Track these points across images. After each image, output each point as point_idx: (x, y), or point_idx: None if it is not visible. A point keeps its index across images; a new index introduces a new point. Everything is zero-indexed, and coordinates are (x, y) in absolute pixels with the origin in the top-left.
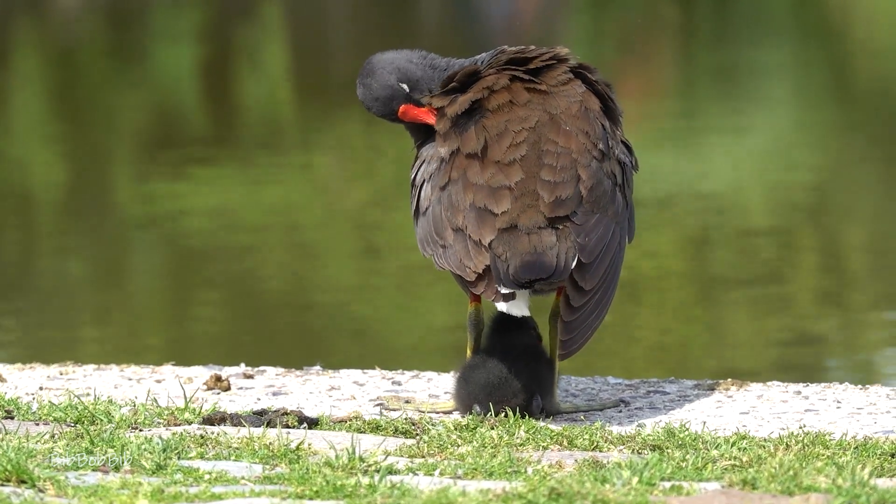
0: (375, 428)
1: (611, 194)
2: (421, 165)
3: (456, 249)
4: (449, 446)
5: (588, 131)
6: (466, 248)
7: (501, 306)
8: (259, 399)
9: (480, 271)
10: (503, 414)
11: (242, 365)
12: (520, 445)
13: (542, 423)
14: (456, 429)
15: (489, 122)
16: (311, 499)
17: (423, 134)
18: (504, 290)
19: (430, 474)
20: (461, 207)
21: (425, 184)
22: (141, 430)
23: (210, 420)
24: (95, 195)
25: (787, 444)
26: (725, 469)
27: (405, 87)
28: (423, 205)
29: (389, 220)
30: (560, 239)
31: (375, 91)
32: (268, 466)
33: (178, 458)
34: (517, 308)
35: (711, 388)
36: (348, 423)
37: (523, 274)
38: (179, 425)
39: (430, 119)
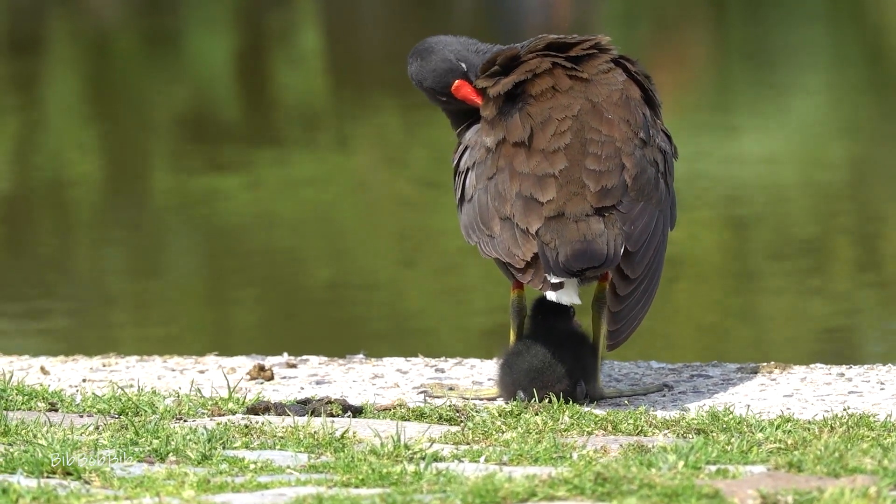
0: (420, 415)
1: (654, 182)
2: (464, 152)
3: (503, 238)
4: (493, 433)
5: (629, 119)
6: (514, 236)
7: (551, 295)
8: (303, 388)
9: (529, 259)
10: (547, 400)
11: (285, 354)
12: (564, 431)
13: (586, 409)
14: (500, 415)
15: (533, 108)
16: (356, 487)
17: (464, 119)
18: (554, 280)
19: (476, 461)
20: (508, 196)
21: (470, 172)
22: (185, 421)
23: (254, 410)
24: (132, 186)
25: (831, 426)
26: (771, 452)
27: (463, 65)
28: (469, 192)
29: (427, 207)
30: (608, 226)
31: (433, 63)
32: (313, 455)
33: (223, 448)
34: (567, 296)
35: (755, 372)
36: (392, 410)
37: (574, 262)
38: (224, 415)
39: (479, 101)
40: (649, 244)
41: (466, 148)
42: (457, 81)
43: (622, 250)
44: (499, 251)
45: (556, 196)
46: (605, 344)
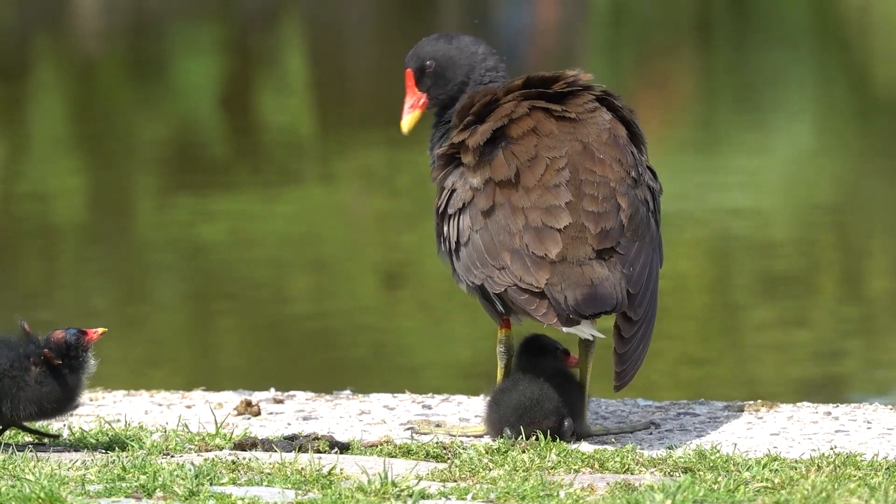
0: (407, 452)
1: (646, 221)
2: (449, 197)
3: (514, 269)
4: (481, 470)
5: (620, 159)
6: (526, 265)
7: (567, 329)
8: (290, 424)
9: (542, 286)
10: (534, 437)
11: (272, 390)
12: (551, 468)
13: (573, 446)
14: (487, 452)
15: (517, 148)
16: None
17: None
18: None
19: (463, 498)
20: (514, 230)
21: (461, 215)
22: (172, 456)
23: (241, 445)
24: (116, 217)
25: (818, 465)
26: (758, 491)
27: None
28: (465, 235)
29: (412, 240)
30: (611, 270)
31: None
32: (300, 492)
33: (211, 483)
34: (586, 329)
35: (741, 410)
36: (379, 447)
37: (585, 308)
38: (211, 451)
39: (413, 106)
40: (647, 285)
41: (452, 191)
42: (408, 69)
43: (626, 293)
44: (512, 280)
45: (564, 231)
46: (613, 385)
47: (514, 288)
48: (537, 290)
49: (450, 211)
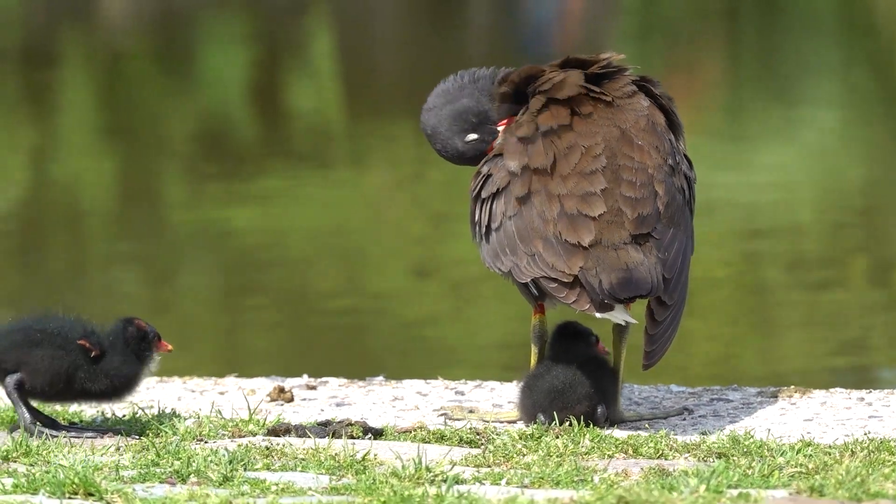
0: (440, 438)
1: (682, 209)
2: (485, 181)
3: (546, 256)
4: (514, 455)
5: (658, 146)
6: (558, 253)
7: (599, 315)
8: (323, 410)
9: (575, 273)
10: (567, 422)
11: (305, 376)
12: (585, 454)
13: (606, 432)
14: (521, 438)
15: (555, 134)
16: None
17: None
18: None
19: (497, 483)
20: (549, 217)
21: (495, 199)
22: (206, 442)
23: (275, 431)
24: (146, 205)
25: (852, 450)
26: (792, 476)
27: (472, 136)
28: (497, 220)
29: (443, 226)
30: (646, 254)
31: (455, 150)
32: (334, 477)
33: (245, 469)
34: (619, 314)
35: (775, 396)
36: (413, 433)
37: (620, 291)
38: (244, 437)
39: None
40: (681, 270)
41: (488, 176)
42: (488, 148)
43: (661, 278)
44: (542, 269)
45: (599, 218)
46: (641, 364)
47: (543, 278)
48: (566, 280)
49: (483, 195)
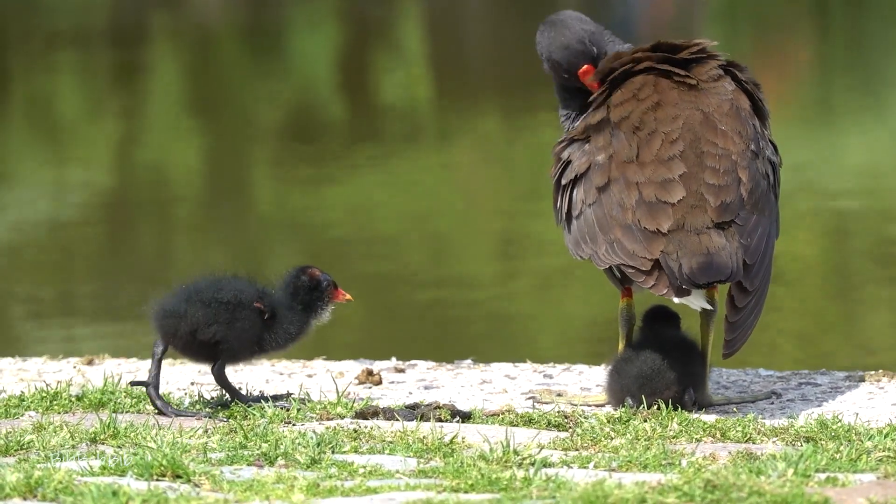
0: (528, 421)
1: (766, 195)
2: (564, 168)
3: (625, 243)
4: (602, 439)
5: (742, 131)
6: (637, 239)
7: (678, 300)
8: (411, 393)
9: (656, 257)
10: (656, 406)
11: (393, 359)
12: (673, 438)
13: (694, 416)
14: (609, 421)
15: (636, 121)
16: (466, 492)
17: (576, 100)
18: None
19: (585, 467)
20: (628, 205)
21: (576, 187)
22: (294, 425)
23: (363, 414)
24: (233, 189)
25: None
26: (880, 460)
27: (595, 49)
28: (577, 207)
29: (529, 210)
30: (728, 240)
31: (567, 40)
32: (422, 460)
33: (332, 452)
34: (696, 300)
35: (863, 380)
36: (501, 416)
37: (700, 275)
38: (332, 420)
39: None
40: (764, 256)
41: (566, 163)
42: (585, 66)
43: (742, 263)
44: (621, 255)
45: (679, 204)
46: (721, 353)
47: (622, 265)
48: (644, 268)
49: (563, 182)
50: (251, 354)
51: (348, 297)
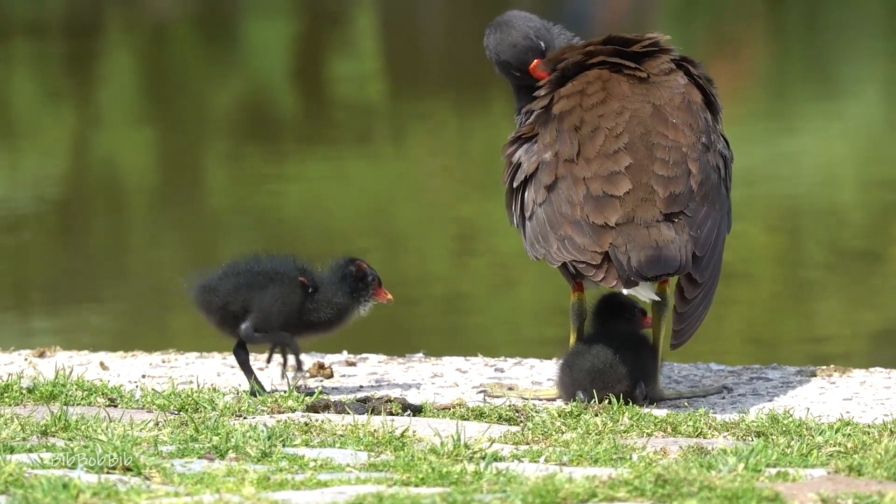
0: (479, 415)
1: (716, 187)
2: (515, 171)
3: (575, 238)
4: (553, 433)
5: (692, 124)
6: (586, 234)
7: (626, 291)
8: (362, 386)
9: (605, 251)
10: (607, 401)
11: (345, 352)
12: (624, 432)
13: (645, 410)
14: (560, 416)
15: (581, 118)
16: (416, 486)
17: (532, 96)
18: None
19: (536, 461)
20: (576, 201)
21: (527, 188)
22: (245, 418)
23: (314, 407)
24: (187, 181)
25: (891, 430)
26: (831, 455)
27: (542, 43)
28: (529, 209)
29: (482, 205)
30: (678, 232)
31: (514, 38)
32: (373, 454)
33: (283, 445)
34: (644, 292)
35: (814, 375)
36: (452, 410)
37: (648, 269)
38: (283, 413)
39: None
40: (714, 249)
41: (518, 165)
42: (535, 60)
43: (691, 256)
44: (572, 251)
45: (627, 196)
46: (669, 343)
47: (573, 261)
48: (594, 262)
49: (515, 185)
50: (291, 325)
51: (389, 296)
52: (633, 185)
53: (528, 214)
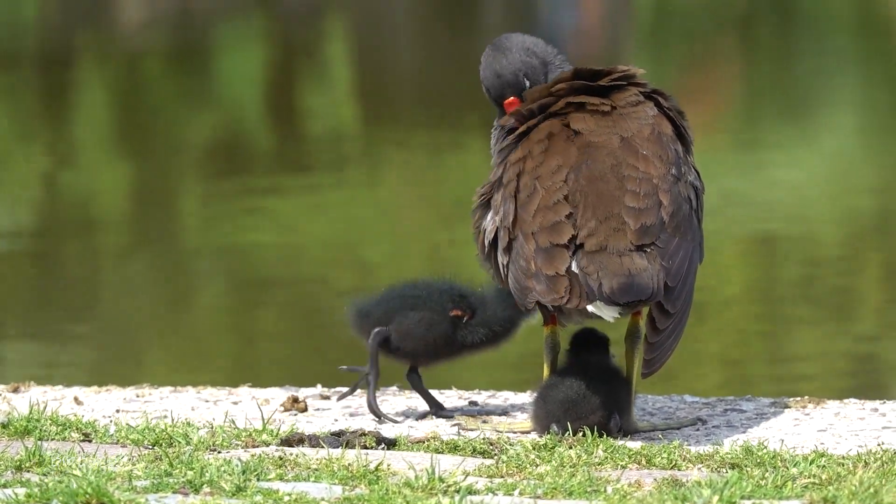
0: (454, 448)
1: (688, 218)
2: (483, 237)
3: (538, 290)
4: (528, 466)
5: (662, 155)
6: (542, 282)
7: (590, 308)
8: (336, 420)
9: (562, 272)
10: (581, 433)
11: (319, 386)
12: (598, 464)
13: (620, 442)
14: (534, 448)
15: (527, 179)
16: None
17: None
18: (591, 307)
19: (510, 494)
20: (530, 256)
21: (495, 254)
22: (219, 452)
23: (288, 441)
24: (160, 213)
25: (865, 461)
26: (805, 487)
27: (527, 82)
28: (503, 272)
29: (456, 237)
30: (650, 262)
31: (501, 68)
32: (347, 487)
33: (258, 479)
34: (607, 311)
35: (788, 406)
36: (426, 443)
37: (620, 295)
38: (258, 447)
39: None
40: (686, 279)
41: (483, 231)
42: (512, 98)
43: (663, 285)
44: (539, 298)
45: (596, 230)
46: (640, 373)
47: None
48: (557, 303)
49: (486, 251)
50: (439, 352)
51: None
52: (601, 220)
53: (503, 276)
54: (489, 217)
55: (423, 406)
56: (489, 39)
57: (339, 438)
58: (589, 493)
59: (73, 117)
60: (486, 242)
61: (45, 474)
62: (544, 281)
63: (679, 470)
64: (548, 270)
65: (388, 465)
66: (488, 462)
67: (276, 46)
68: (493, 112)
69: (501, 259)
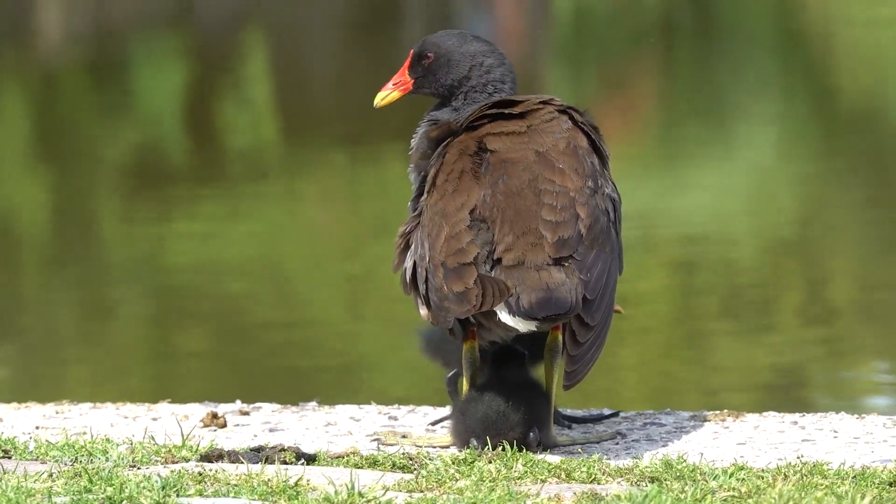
0: (373, 463)
1: (606, 230)
2: (404, 272)
3: (453, 308)
4: (447, 480)
5: (578, 168)
6: (451, 301)
7: (507, 318)
8: (256, 436)
9: (471, 285)
10: (500, 447)
11: (238, 402)
12: (518, 479)
13: (539, 457)
14: (454, 463)
15: (434, 216)
16: None
17: (442, 113)
18: (508, 319)
19: None
20: (439, 285)
21: (417, 286)
22: (139, 468)
23: (208, 457)
24: (78, 231)
25: (785, 474)
26: (725, 500)
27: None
28: (427, 300)
29: (375, 255)
30: (568, 275)
31: (460, 46)
32: (267, 503)
33: (178, 495)
34: (524, 323)
35: (707, 420)
36: (346, 458)
37: (538, 309)
38: (177, 463)
39: (396, 86)
40: (604, 291)
41: (405, 269)
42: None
43: (582, 299)
44: (457, 308)
45: (513, 245)
46: (560, 386)
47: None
48: (473, 303)
49: (408, 285)
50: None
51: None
52: (518, 235)
53: (427, 304)
54: (408, 255)
55: (342, 421)
56: (408, 51)
57: (259, 454)
58: None
59: None
60: (408, 277)
61: None
62: (454, 298)
63: (599, 484)
64: (457, 288)
65: (308, 481)
66: (408, 477)
67: (195, 60)
68: (413, 122)
69: (421, 289)
